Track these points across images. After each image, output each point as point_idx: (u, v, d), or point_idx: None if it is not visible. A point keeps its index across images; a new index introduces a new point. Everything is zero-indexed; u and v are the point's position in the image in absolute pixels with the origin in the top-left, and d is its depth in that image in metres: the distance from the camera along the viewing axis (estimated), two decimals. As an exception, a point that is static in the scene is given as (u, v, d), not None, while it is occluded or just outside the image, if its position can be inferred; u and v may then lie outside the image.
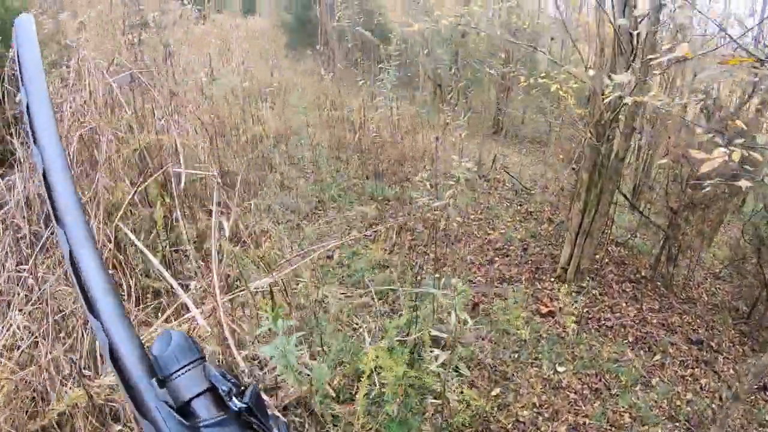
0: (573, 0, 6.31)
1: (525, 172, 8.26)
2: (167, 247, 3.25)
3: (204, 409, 0.55)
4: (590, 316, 4.80)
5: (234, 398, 0.55)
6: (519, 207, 6.77)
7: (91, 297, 0.54)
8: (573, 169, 6.19)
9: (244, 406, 0.54)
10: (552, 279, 5.20)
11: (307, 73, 7.71)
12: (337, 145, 5.96)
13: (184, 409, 0.54)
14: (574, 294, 5.00)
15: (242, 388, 0.57)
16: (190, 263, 3.24)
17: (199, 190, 4.35)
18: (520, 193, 7.22)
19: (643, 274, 5.86)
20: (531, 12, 9.53)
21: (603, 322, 4.80)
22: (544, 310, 4.65)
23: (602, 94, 4.49)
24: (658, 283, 5.61)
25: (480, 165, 7.32)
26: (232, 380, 0.56)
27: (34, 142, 0.59)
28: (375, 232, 4.85)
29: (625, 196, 6.02)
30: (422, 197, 3.18)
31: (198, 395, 0.55)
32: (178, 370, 0.56)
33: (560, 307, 4.76)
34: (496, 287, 4.75)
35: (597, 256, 5.45)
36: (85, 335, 2.60)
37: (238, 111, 5.34)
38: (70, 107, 3.11)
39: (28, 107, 0.59)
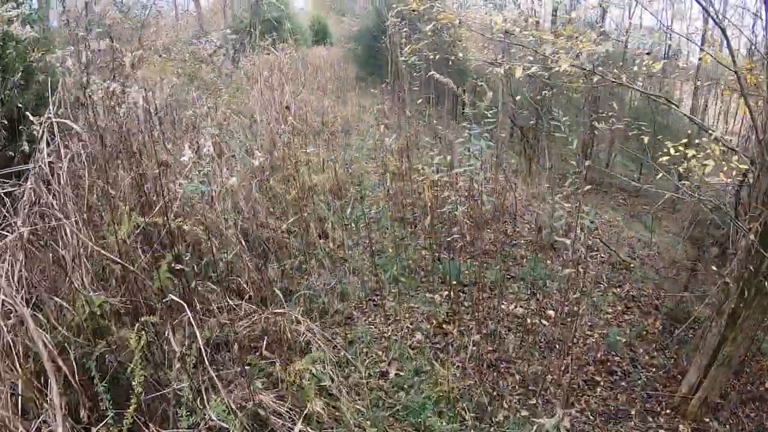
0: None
1: (619, 234, 6.98)
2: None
3: None
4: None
5: None
6: (617, 288, 5.49)
7: None
8: (699, 254, 4.93)
9: None
10: (668, 410, 3.94)
11: (371, 113, 6.71)
12: (400, 209, 4.90)
13: None
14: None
15: None
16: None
17: (223, 274, 3.41)
18: (617, 267, 5.93)
19: (766, 386, 4.56)
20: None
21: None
22: (663, 467, 3.42)
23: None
24: (783, 400, 4.41)
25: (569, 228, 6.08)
26: None
27: None
28: (445, 334, 3.77)
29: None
30: None
31: None
32: None
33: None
34: (598, 427, 3.55)
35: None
36: None
37: (285, 160, 4.39)
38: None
39: None
